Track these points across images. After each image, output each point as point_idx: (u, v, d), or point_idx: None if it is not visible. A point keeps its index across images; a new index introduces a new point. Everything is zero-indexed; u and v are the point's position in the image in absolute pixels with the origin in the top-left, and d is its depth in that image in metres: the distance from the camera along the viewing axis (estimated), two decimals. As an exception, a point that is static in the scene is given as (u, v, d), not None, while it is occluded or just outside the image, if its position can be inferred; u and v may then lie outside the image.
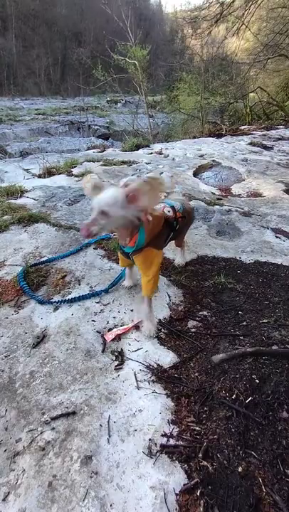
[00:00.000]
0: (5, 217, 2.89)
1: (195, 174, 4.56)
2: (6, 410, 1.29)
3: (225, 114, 11.83)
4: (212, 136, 7.86)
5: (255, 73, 12.24)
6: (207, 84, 11.96)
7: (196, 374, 1.41)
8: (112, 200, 1.28)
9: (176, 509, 0.97)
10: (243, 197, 3.84)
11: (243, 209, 3.29)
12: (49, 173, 4.53)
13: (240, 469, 1.04)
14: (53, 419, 1.24)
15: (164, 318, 1.76)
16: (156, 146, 6.52)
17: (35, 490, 1.03)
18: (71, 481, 1.05)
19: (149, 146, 6.67)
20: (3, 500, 1.01)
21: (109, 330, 1.66)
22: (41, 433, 1.20)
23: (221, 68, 13.62)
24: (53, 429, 1.21)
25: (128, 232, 1.48)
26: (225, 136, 7.75)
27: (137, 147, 6.55)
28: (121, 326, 1.69)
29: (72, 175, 4.36)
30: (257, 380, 1.29)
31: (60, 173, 4.48)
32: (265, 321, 1.69)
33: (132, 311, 1.81)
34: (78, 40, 35.60)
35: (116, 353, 1.54)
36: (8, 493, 1.03)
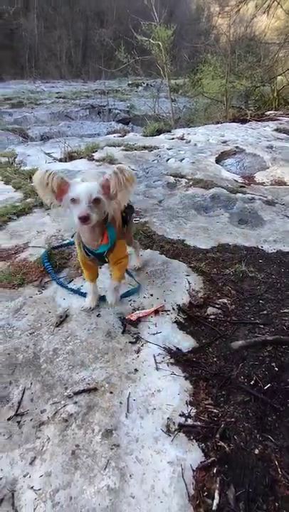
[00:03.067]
0: (28, 200, 2.96)
1: (217, 161, 4.46)
2: (32, 383, 1.36)
3: (250, 98, 11.33)
4: (236, 122, 7.61)
5: (284, 54, 11.60)
6: (233, 66, 11.45)
7: (215, 359, 1.43)
8: (98, 189, 1.30)
9: (192, 483, 1.02)
10: (266, 185, 3.74)
11: (266, 197, 3.21)
12: (70, 157, 4.55)
13: (256, 451, 1.07)
14: (76, 393, 1.30)
15: (184, 304, 1.78)
16: (178, 131, 6.40)
17: (60, 457, 1.10)
18: (93, 451, 1.11)
19: (170, 131, 6.55)
20: (30, 463, 1.08)
21: (133, 311, 1.70)
22: (64, 406, 1.26)
23: (249, 49, 12.98)
24: (76, 403, 1.27)
25: (100, 229, 1.45)
26: (249, 121, 7.48)
27: (159, 132, 6.45)
28: (142, 309, 1.72)
29: (94, 159, 4.36)
30: (276, 368, 1.30)
31: (81, 158, 4.50)
32: (286, 310, 1.68)
33: (151, 295, 1.84)
34: (100, 20, 34.72)
35: (136, 335, 1.58)
36: (35, 457, 1.10)
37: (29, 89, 19.64)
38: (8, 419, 1.22)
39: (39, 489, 1.02)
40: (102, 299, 1.77)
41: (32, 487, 1.02)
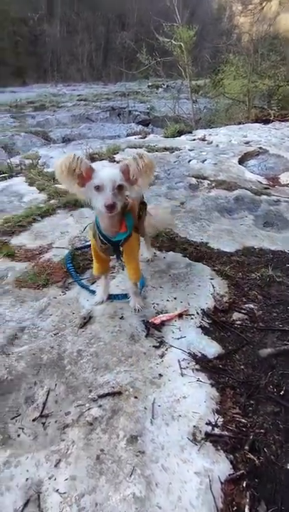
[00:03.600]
0: (52, 201, 3.00)
1: (240, 162, 4.37)
2: (56, 385, 1.36)
3: (273, 98, 11.07)
4: (258, 122, 7.47)
5: (309, 52, 11.28)
6: (256, 66, 11.23)
7: (242, 366, 1.39)
8: (120, 175, 1.30)
9: (221, 497, 0.98)
10: (292, 187, 3.62)
11: (292, 199, 3.11)
12: (92, 158, 4.58)
13: (288, 466, 1.02)
14: (100, 397, 1.29)
15: (208, 309, 1.74)
16: (200, 132, 6.33)
17: (85, 461, 1.09)
18: (118, 457, 1.09)
19: (191, 132, 6.50)
20: (56, 466, 1.08)
21: (156, 314, 1.68)
22: (89, 409, 1.25)
23: (272, 48, 12.70)
24: (100, 406, 1.26)
25: (119, 216, 1.46)
26: (273, 121, 7.32)
27: (179, 133, 6.41)
28: (165, 312, 1.70)
29: (115, 161, 4.38)
30: (308, 379, 1.24)
31: (102, 159, 4.53)
32: (316, 318, 1.61)
33: (175, 298, 1.81)
34: (122, 23, 35.08)
35: (159, 340, 1.55)
36: (60, 460, 1.10)
37: (51, 93, 20.09)
38: (34, 420, 1.23)
39: (64, 493, 1.01)
40: (114, 297, 1.79)
41: (57, 490, 1.02)
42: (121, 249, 1.58)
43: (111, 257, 1.72)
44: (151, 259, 2.10)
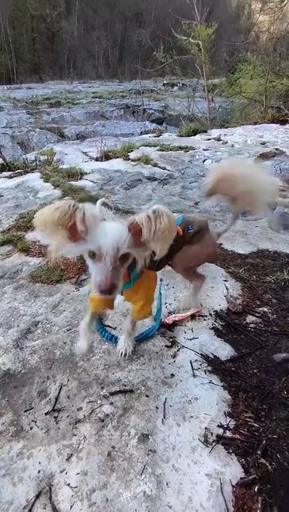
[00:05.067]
0: (66, 198, 3.02)
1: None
2: (68, 380, 1.37)
3: (291, 98, 10.90)
4: (275, 123, 7.35)
5: None
6: (274, 65, 11.05)
7: (255, 370, 1.37)
8: (127, 238, 0.91)
9: (232, 500, 0.97)
10: (309, 189, 3.55)
11: (309, 202, 3.05)
12: (106, 156, 4.61)
13: (301, 474, 1.01)
14: (112, 394, 1.30)
15: (221, 310, 1.73)
16: (215, 132, 6.28)
17: (96, 457, 1.10)
18: (129, 454, 1.10)
19: (206, 132, 6.45)
20: (67, 460, 1.09)
21: (168, 314, 1.67)
22: (100, 406, 1.26)
23: (291, 47, 12.47)
24: (112, 403, 1.26)
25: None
26: (290, 122, 7.18)
27: (194, 132, 6.38)
28: (177, 313, 1.69)
29: (129, 159, 4.39)
30: None
31: (116, 157, 4.54)
32: None
33: (188, 299, 1.80)
34: (139, 21, 34.99)
35: (171, 340, 1.55)
36: (71, 454, 1.11)
37: (67, 90, 20.19)
38: (46, 414, 1.24)
39: (76, 487, 1.02)
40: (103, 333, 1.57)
41: (69, 484, 1.03)
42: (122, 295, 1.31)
43: None
44: (197, 314, 1.66)
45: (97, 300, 1.28)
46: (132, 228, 0.92)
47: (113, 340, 1.52)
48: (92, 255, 0.92)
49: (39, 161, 4.43)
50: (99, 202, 0.98)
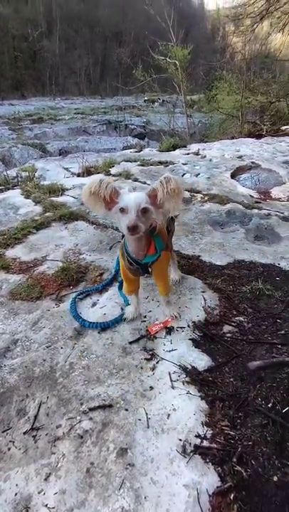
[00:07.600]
0: (47, 214, 3.05)
1: (233, 176, 4.47)
2: (48, 397, 1.37)
3: (265, 113, 11.41)
4: (251, 137, 7.65)
5: (300, 70, 11.69)
6: (248, 82, 11.61)
7: (231, 379, 1.41)
8: (145, 198, 1.32)
9: (208, 509, 0.99)
10: (283, 201, 3.71)
11: (283, 213, 3.18)
12: (88, 172, 4.67)
13: (275, 479, 1.04)
14: (91, 409, 1.30)
15: (199, 321, 1.77)
16: (193, 147, 6.48)
17: (74, 474, 1.09)
18: (107, 470, 1.10)
19: (185, 147, 6.64)
20: (45, 480, 1.09)
21: (153, 323, 1.71)
22: (80, 422, 1.26)
23: (264, 66, 13.18)
24: (91, 419, 1.27)
25: (146, 239, 1.48)
26: (265, 136, 7.51)
27: (174, 147, 6.55)
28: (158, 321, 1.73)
29: (110, 174, 4.46)
30: (295, 391, 1.27)
31: (98, 173, 4.61)
32: (304, 331, 1.64)
33: (167, 311, 1.84)
34: (119, 41, 36.07)
35: (151, 352, 1.58)
36: (50, 473, 1.10)
37: (49, 106, 20.41)
38: (24, 433, 1.24)
39: (53, 507, 1.01)
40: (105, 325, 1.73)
41: (46, 505, 1.02)
42: (150, 269, 1.60)
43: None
44: (178, 280, 2.06)
45: (126, 284, 1.70)
46: (150, 194, 1.33)
47: (95, 327, 1.71)
48: (122, 210, 1.30)
49: (20, 177, 4.43)
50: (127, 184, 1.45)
